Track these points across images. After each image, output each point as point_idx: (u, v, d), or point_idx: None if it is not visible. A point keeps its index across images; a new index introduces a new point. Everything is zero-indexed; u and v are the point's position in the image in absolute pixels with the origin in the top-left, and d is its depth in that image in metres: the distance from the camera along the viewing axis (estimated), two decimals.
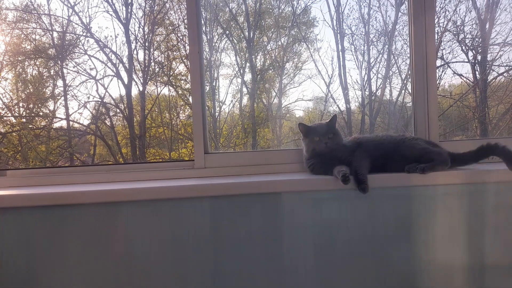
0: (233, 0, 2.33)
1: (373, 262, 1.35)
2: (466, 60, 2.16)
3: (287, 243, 1.34)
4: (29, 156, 2.27)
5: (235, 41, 2.38)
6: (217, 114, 2.37)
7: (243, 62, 2.35)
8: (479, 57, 2.19)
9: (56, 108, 2.33)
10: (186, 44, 2.14)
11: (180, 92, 2.44)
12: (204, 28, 2.21)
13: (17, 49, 2.21)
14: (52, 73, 2.33)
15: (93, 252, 1.32)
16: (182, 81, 2.40)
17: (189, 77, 1.68)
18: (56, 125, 2.42)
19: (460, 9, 2.11)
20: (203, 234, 1.33)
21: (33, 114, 2.33)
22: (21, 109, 2.31)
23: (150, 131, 2.46)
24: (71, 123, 2.34)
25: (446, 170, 1.32)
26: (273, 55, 2.38)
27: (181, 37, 2.31)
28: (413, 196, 1.34)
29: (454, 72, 2.15)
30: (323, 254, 1.35)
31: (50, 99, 2.32)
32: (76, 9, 2.21)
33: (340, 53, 2.23)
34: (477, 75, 2.19)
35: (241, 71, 2.34)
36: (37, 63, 2.29)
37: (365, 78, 2.26)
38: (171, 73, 2.39)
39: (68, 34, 2.28)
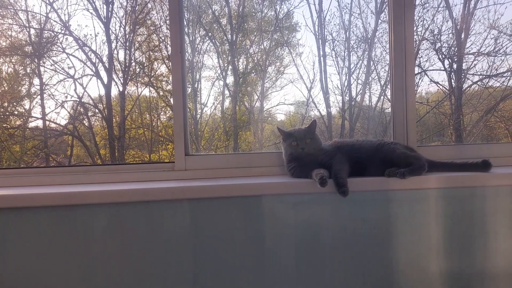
0: (216, 2, 2.32)
1: (353, 265, 1.37)
2: (443, 68, 2.22)
3: (268, 246, 1.34)
4: (2, 156, 2.19)
5: (218, 44, 2.37)
6: (198, 116, 2.35)
7: (226, 65, 2.34)
8: (455, 66, 2.26)
9: (32, 107, 2.26)
10: (168, 45, 2.12)
11: (161, 93, 2.41)
12: (186, 29, 2.20)
13: None
14: (28, 71, 2.26)
15: (70, 255, 1.29)
16: (164, 82, 2.38)
17: (170, 78, 1.66)
18: (32, 124, 2.35)
19: (437, 19, 2.17)
20: (183, 237, 1.32)
21: (7, 113, 2.26)
22: None
23: (130, 132, 2.42)
24: (47, 123, 2.28)
25: (423, 174, 1.35)
26: (255, 58, 2.39)
27: (163, 38, 2.29)
28: (393, 200, 1.36)
29: (431, 79, 2.21)
30: (304, 257, 1.35)
31: (25, 98, 2.26)
32: (55, 6, 2.16)
33: (322, 58, 2.26)
34: (453, 83, 2.26)
35: (224, 74, 2.34)
36: (13, 60, 2.22)
37: (346, 84, 2.29)
38: (152, 74, 2.37)
39: (46, 32, 2.23)
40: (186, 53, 1.70)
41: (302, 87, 2.29)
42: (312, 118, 2.32)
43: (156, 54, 2.34)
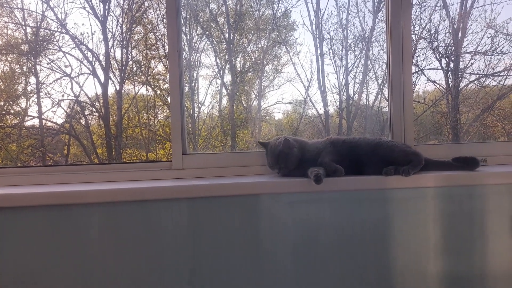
0: (213, 1, 2.32)
1: (351, 264, 1.37)
2: (440, 67, 2.23)
3: (266, 245, 1.34)
4: None
5: (215, 42, 2.37)
6: (196, 115, 2.35)
7: (223, 64, 2.34)
8: (451, 65, 2.26)
9: (28, 106, 2.25)
10: (165, 44, 2.12)
11: (158, 92, 2.40)
12: (183, 28, 2.19)
13: None
14: (24, 69, 2.25)
15: (67, 254, 1.29)
16: (161, 81, 2.37)
17: (167, 77, 1.65)
18: (28, 123, 2.34)
19: (434, 18, 2.18)
20: (180, 236, 1.32)
21: (3, 112, 2.24)
22: None
23: (127, 131, 2.41)
24: (44, 121, 2.26)
25: (419, 171, 1.37)
26: (253, 57, 2.38)
27: (160, 36, 2.28)
28: (390, 199, 1.36)
29: (428, 78, 2.22)
30: (302, 256, 1.36)
31: (22, 97, 2.24)
32: (51, 4, 2.15)
33: (319, 57, 2.26)
34: (450, 82, 2.26)
35: (221, 73, 2.33)
36: (9, 59, 2.21)
37: (343, 83, 2.29)
38: (149, 73, 2.36)
39: (42, 30, 2.21)
40: (183, 52, 1.70)
41: (300, 86, 2.29)
42: (310, 117, 2.32)
43: (153, 52, 2.33)
